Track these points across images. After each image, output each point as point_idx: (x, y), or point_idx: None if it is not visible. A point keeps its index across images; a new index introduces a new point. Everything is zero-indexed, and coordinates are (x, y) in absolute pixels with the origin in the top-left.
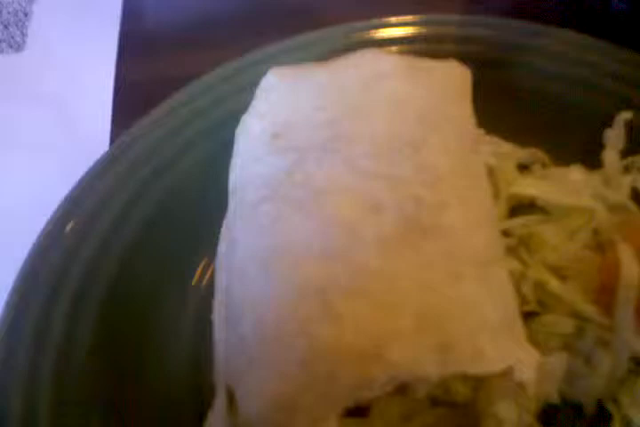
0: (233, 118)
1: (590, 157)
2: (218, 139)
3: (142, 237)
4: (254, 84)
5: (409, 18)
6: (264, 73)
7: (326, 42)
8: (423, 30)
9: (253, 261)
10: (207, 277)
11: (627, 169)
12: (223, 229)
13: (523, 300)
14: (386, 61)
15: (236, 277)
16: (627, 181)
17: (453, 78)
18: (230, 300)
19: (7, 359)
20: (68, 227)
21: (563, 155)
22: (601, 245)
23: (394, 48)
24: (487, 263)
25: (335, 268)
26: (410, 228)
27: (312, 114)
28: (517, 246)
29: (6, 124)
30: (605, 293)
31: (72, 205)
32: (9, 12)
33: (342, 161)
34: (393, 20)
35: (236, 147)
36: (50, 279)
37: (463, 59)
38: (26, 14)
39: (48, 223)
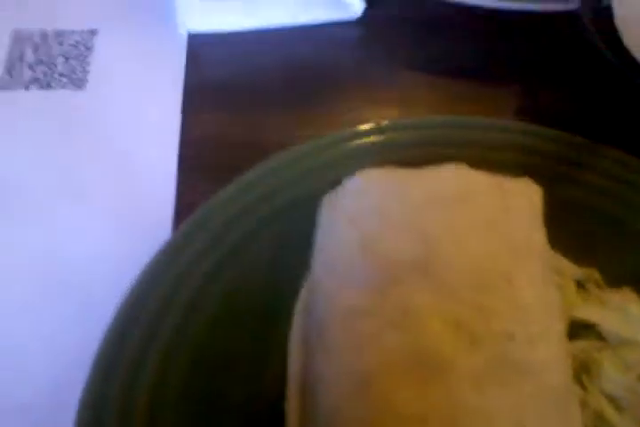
0: (300, 203)
1: None
2: (285, 224)
3: (208, 336)
4: (324, 168)
5: (465, 119)
6: (333, 158)
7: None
8: (480, 135)
9: (350, 376)
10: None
11: None
12: (296, 322)
13: None
14: (474, 178)
15: (326, 387)
16: None
17: (529, 198)
18: (316, 408)
19: None
20: (133, 330)
21: (614, 274)
22: None
23: (452, 150)
24: (567, 402)
25: (433, 397)
26: (503, 364)
27: (405, 228)
28: (579, 371)
29: (61, 170)
30: None
31: (135, 305)
32: (70, 44)
33: (439, 285)
34: (452, 118)
35: (319, 233)
36: (126, 369)
37: (521, 169)
38: (88, 48)
39: (110, 328)
